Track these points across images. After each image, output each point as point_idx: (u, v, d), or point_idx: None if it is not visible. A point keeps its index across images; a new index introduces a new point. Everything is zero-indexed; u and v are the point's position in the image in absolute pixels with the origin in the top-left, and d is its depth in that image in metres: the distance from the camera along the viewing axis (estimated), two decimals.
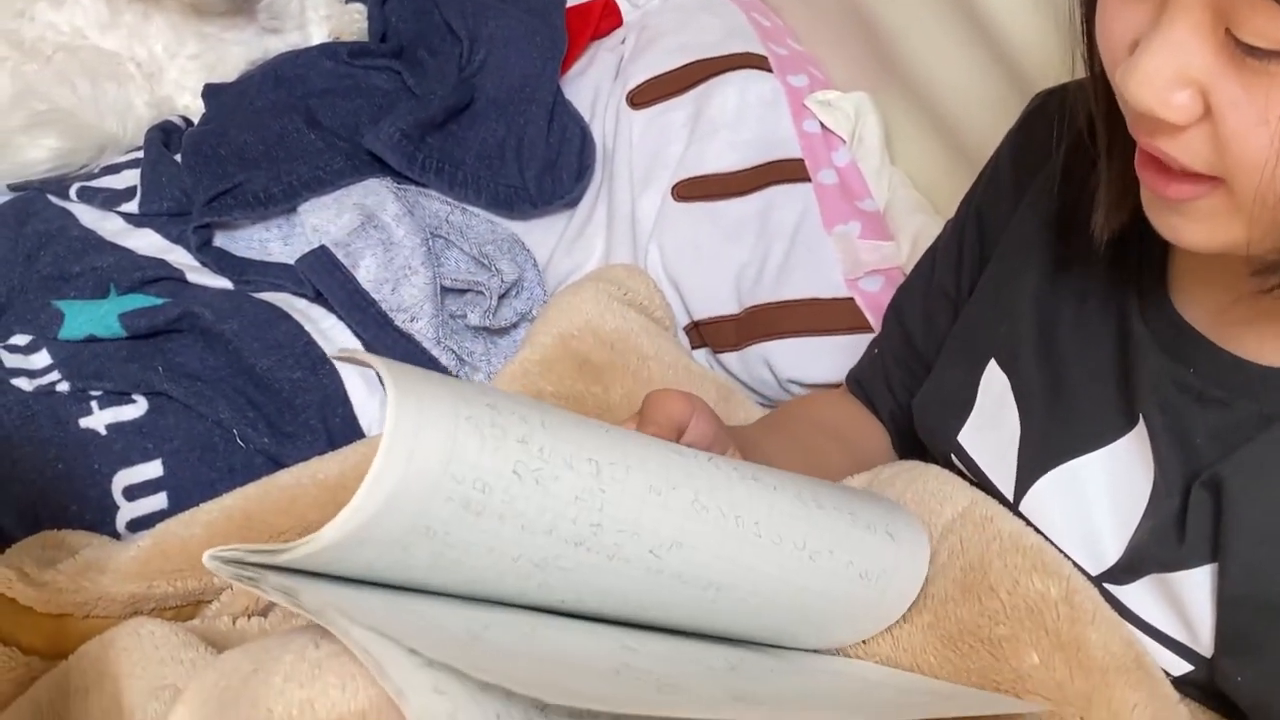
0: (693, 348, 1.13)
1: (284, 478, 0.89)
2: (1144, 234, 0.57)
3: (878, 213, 1.15)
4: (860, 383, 0.89)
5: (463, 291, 1.07)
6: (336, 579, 0.51)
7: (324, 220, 1.07)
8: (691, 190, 1.13)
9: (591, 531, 0.51)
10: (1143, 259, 0.64)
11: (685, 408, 0.64)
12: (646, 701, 0.48)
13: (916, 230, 1.12)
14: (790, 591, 0.59)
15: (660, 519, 0.53)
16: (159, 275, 1.02)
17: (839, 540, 0.60)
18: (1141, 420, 0.63)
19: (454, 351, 1.02)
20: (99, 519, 0.90)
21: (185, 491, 0.92)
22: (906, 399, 0.82)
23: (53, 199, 1.11)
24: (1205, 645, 0.60)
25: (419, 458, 0.46)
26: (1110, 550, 0.64)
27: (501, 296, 1.06)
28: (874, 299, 1.08)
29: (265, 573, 0.49)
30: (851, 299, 1.08)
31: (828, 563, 0.59)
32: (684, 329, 1.12)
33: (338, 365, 0.99)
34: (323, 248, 1.03)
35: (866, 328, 1.06)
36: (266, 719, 0.51)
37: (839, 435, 0.84)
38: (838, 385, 0.96)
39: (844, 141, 1.18)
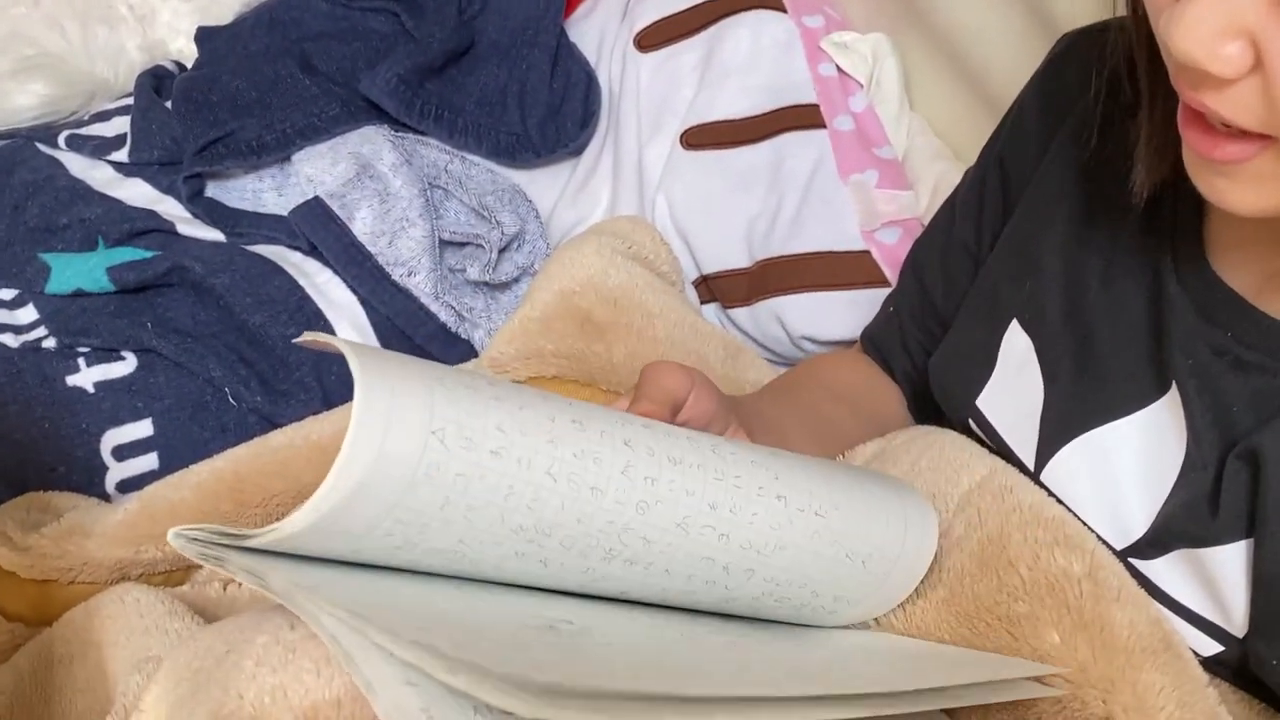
0: (702, 303, 1.09)
1: (277, 438, 0.87)
2: (1180, 189, 0.53)
3: (896, 161, 1.10)
4: (875, 342, 0.85)
5: (462, 245, 1.03)
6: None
7: (319, 170, 1.03)
8: (701, 138, 1.09)
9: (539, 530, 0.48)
10: (1178, 215, 0.60)
11: (683, 381, 0.61)
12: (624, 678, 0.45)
13: (936, 179, 1.08)
14: (753, 596, 0.56)
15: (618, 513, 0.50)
16: (148, 227, 0.99)
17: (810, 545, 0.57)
18: (1174, 386, 0.59)
19: (453, 307, 0.98)
20: (87, 480, 0.87)
21: (176, 452, 0.89)
22: (924, 359, 0.78)
23: (41, 147, 1.07)
24: (1238, 625, 0.57)
25: (390, 451, 0.44)
26: (1137, 523, 0.61)
27: (502, 250, 1.03)
28: (891, 251, 1.04)
29: (230, 552, 0.46)
30: (867, 252, 1.04)
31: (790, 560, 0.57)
32: (693, 283, 1.09)
33: (332, 322, 0.96)
34: (316, 199, 1.00)
35: (883, 282, 1.02)
36: (237, 706, 0.48)
37: (851, 400, 0.80)
38: (852, 342, 0.93)
39: (861, 86, 1.13)
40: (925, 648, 0.59)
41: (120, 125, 1.09)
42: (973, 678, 0.53)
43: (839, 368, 0.85)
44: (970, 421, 0.70)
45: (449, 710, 0.40)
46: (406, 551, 0.47)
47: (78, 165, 1.06)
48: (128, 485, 0.88)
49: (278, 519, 0.60)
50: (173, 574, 0.81)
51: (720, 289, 1.08)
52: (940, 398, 0.73)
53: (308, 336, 0.48)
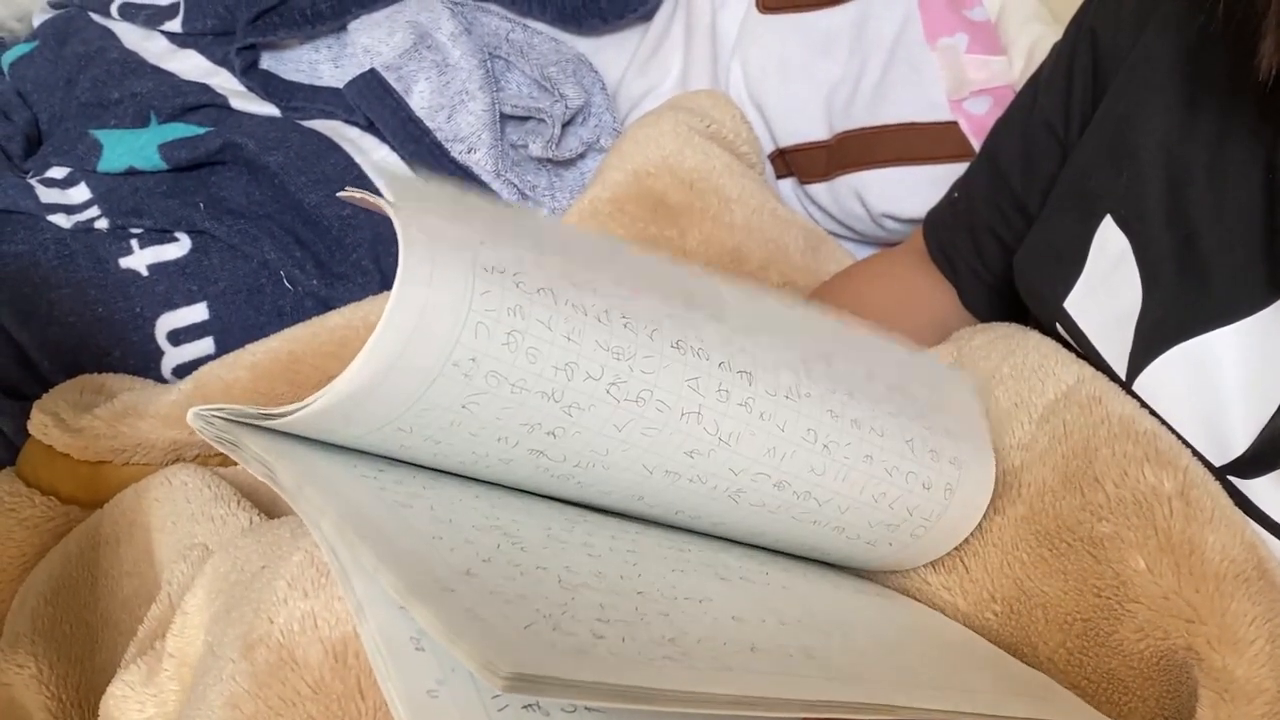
0: (778, 177, 1.04)
1: (334, 319, 0.84)
2: None
3: (988, 23, 1.03)
4: (937, 232, 0.78)
5: (524, 119, 0.98)
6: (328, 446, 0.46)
7: (375, 40, 0.98)
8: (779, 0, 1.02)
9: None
10: None
11: None
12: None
13: (1032, 43, 1.00)
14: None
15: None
16: (201, 102, 0.96)
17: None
18: None
19: (515, 185, 0.94)
20: (143, 365, 0.86)
21: (232, 336, 0.87)
22: (997, 250, 0.72)
23: (94, 17, 1.04)
24: None
25: (425, 331, 0.41)
26: (1238, 439, 0.56)
27: (566, 124, 0.97)
28: (980, 122, 0.97)
29: (247, 436, 0.44)
30: (955, 123, 0.98)
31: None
32: (769, 157, 1.03)
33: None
34: (372, 71, 0.95)
35: (971, 155, 0.95)
36: (266, 631, 0.46)
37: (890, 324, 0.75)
38: None
39: None
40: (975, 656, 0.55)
41: None
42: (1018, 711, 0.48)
43: (869, 287, 0.79)
44: (1058, 326, 0.64)
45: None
46: (431, 446, 0.45)
47: (131, 36, 1.02)
48: (183, 370, 0.86)
49: None
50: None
51: (797, 163, 1.02)
52: (1027, 298, 0.68)
53: (350, 192, 0.45)
